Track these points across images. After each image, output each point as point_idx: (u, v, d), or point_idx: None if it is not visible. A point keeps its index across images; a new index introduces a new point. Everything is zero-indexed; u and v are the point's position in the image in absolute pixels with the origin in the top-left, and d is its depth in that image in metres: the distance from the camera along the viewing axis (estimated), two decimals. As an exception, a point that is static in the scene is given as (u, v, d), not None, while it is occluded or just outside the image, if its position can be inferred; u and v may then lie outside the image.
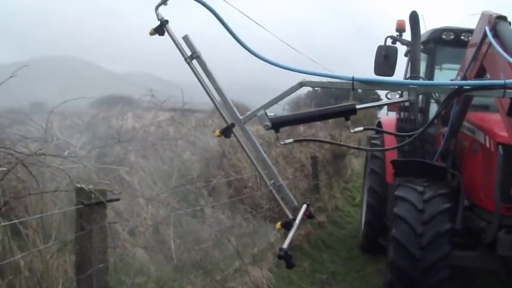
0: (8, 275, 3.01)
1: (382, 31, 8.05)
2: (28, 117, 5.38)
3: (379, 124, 7.14)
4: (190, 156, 5.87)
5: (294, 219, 2.51)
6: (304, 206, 2.73)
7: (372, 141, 7.17)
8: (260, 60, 2.54)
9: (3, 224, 3.01)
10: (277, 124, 2.45)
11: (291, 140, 2.78)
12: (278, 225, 2.52)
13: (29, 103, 5.58)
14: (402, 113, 5.82)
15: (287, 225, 2.49)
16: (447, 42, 5.85)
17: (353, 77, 2.29)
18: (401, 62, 5.56)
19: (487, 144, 4.58)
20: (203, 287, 4.24)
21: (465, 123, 4.92)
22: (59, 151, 4.47)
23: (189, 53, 2.47)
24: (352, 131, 2.40)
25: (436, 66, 6.27)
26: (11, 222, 3.10)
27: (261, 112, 2.42)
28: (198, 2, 2.50)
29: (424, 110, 6.10)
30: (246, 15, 12.98)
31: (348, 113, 2.38)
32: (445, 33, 5.82)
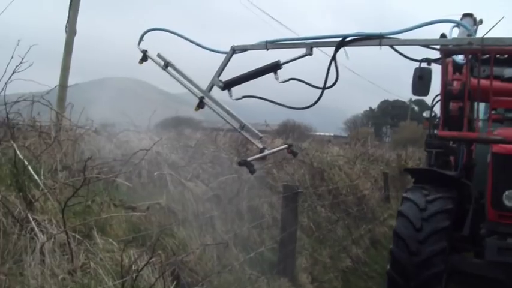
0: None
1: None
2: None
3: None
4: (304, 171, 8.35)
5: (265, 148, 2.99)
6: (285, 145, 3.31)
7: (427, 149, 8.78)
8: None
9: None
10: (228, 85, 3.04)
11: (240, 96, 3.31)
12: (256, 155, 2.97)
13: (99, 123, 6.23)
14: (432, 130, 6.48)
15: (260, 151, 2.99)
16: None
17: (266, 40, 2.96)
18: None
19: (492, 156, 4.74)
20: (330, 252, 6.69)
21: None
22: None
23: (162, 63, 3.30)
24: (279, 82, 2.94)
25: None
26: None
27: (215, 79, 3.09)
28: (168, 31, 3.40)
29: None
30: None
31: (275, 68, 2.92)
32: None
